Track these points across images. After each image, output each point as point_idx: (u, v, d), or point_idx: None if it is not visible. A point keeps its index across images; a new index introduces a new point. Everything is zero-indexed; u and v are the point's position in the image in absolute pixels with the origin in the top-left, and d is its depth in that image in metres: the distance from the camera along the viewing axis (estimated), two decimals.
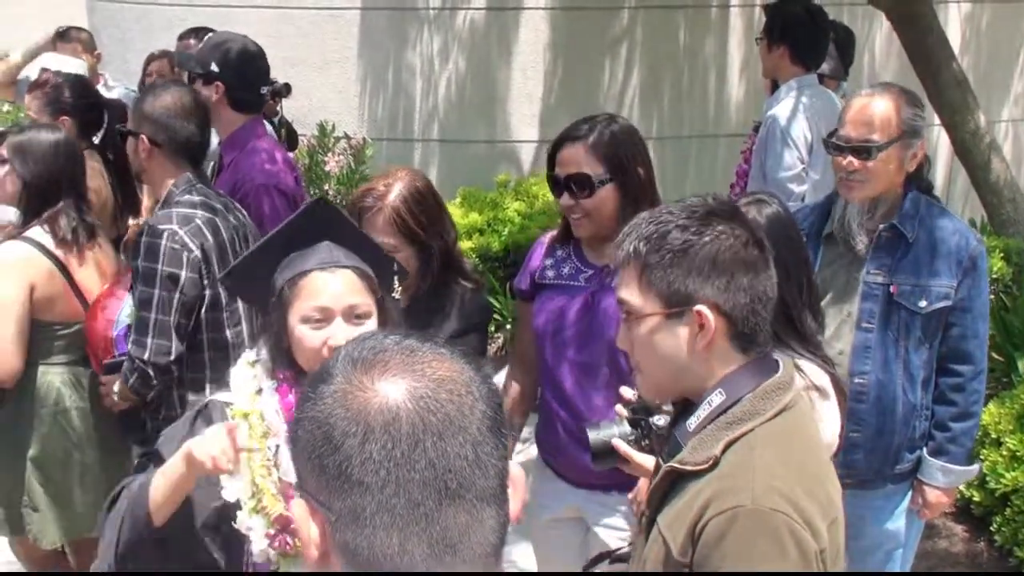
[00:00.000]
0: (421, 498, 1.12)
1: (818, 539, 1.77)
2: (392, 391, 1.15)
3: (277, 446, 2.20)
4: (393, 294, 2.43)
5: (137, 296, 3.34)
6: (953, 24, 7.71)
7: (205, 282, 3.34)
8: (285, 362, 2.27)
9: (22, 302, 3.50)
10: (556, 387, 3.11)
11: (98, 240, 3.74)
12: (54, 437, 3.64)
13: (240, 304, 3.42)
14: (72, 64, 5.33)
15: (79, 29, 6.48)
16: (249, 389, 2.29)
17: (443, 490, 1.13)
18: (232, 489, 2.18)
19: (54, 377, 3.63)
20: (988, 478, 4.38)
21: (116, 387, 3.45)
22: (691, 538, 1.80)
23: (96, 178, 4.34)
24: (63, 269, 3.59)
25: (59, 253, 3.58)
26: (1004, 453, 4.41)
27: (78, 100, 4.42)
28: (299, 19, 7.46)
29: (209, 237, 3.35)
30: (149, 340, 3.28)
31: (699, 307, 1.86)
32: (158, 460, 2.27)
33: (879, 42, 7.73)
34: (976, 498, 4.52)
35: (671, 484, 1.90)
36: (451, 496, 1.13)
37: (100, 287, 3.71)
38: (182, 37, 5.70)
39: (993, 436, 4.47)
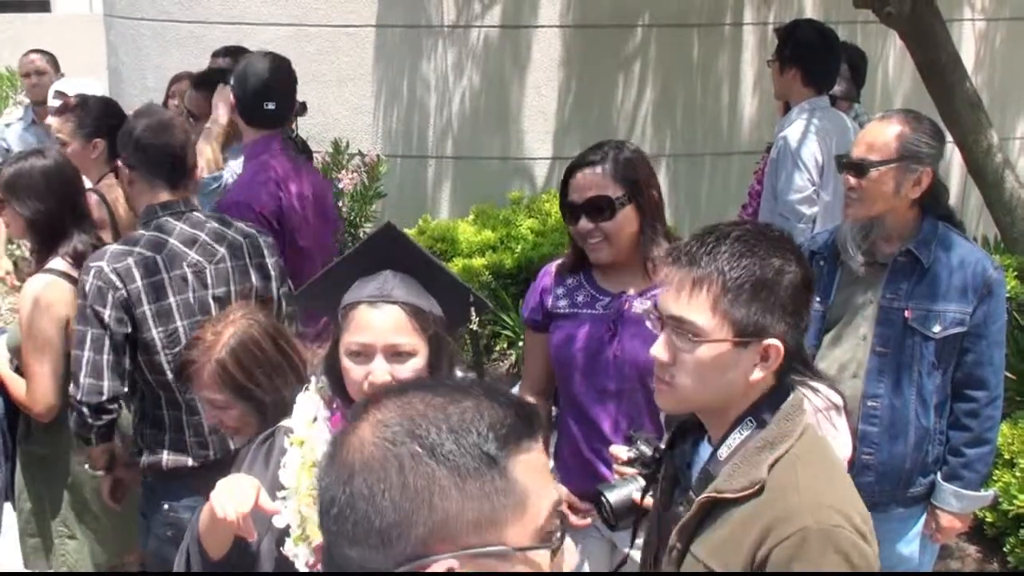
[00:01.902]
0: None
1: (872, 545, 1.84)
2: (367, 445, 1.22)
3: None
4: (470, 326, 2.37)
5: (74, 335, 3.29)
6: (967, 42, 7.71)
7: (131, 324, 3.23)
8: (339, 390, 2.25)
9: (58, 337, 3.49)
10: (581, 416, 3.10)
11: None
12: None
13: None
14: (92, 86, 5.36)
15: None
16: (307, 416, 2.28)
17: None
18: (284, 516, 2.20)
19: None
20: (1001, 499, 4.37)
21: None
22: (751, 565, 1.82)
23: (107, 202, 4.36)
24: None
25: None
26: (1017, 474, 4.39)
27: (109, 122, 4.44)
28: (315, 36, 7.51)
29: (138, 279, 3.24)
30: (82, 379, 3.21)
31: (772, 341, 1.88)
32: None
33: (892, 61, 7.73)
34: (989, 519, 4.50)
35: (705, 514, 1.90)
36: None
37: None
38: (216, 55, 5.76)
39: (1006, 457, 4.46)
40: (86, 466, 3.57)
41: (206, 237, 3.40)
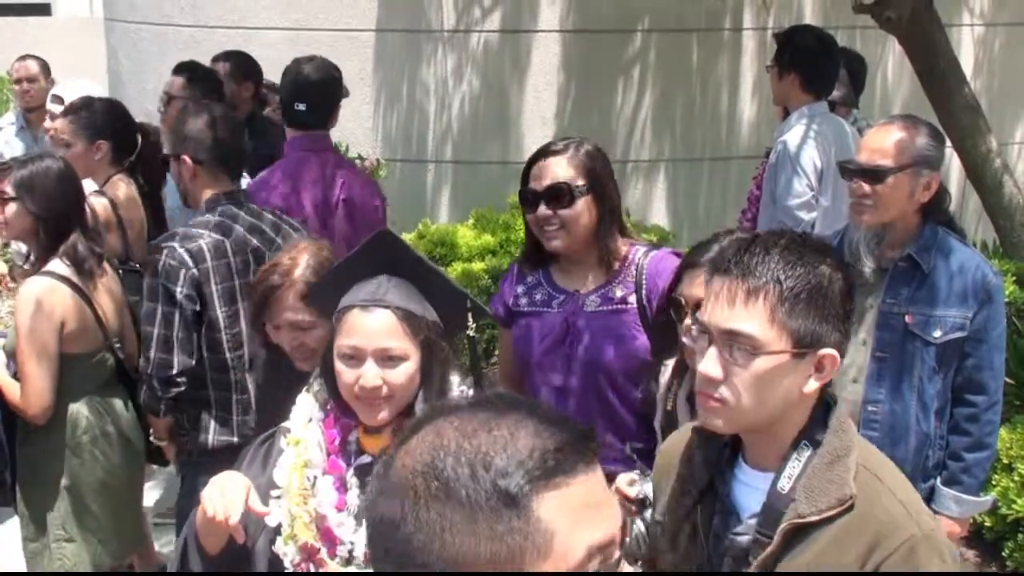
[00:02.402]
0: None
1: None
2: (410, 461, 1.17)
3: (315, 477, 2.22)
4: (468, 331, 2.34)
5: (142, 311, 3.43)
6: (965, 47, 7.72)
7: (200, 301, 3.39)
8: (334, 392, 2.26)
9: (54, 340, 3.51)
10: None
11: (104, 266, 3.76)
12: (87, 466, 3.67)
13: (243, 328, 3.45)
14: (90, 88, 5.37)
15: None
16: (304, 416, 2.30)
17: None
18: (275, 515, 2.21)
19: (83, 406, 3.65)
20: (1000, 503, 4.37)
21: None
22: None
23: (132, 205, 4.38)
24: (86, 299, 3.60)
25: (81, 284, 3.59)
26: (1016, 479, 4.40)
27: (114, 124, 4.45)
28: (315, 40, 7.52)
29: (209, 260, 3.39)
30: (152, 354, 3.38)
31: (828, 351, 1.82)
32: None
33: (891, 66, 7.75)
34: (988, 523, 4.51)
35: (787, 543, 1.82)
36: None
37: (115, 313, 3.74)
38: (216, 59, 5.83)
39: (1005, 462, 4.47)
40: (152, 437, 3.71)
41: (264, 226, 3.57)
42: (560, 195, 3.01)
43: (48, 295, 3.51)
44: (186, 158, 3.55)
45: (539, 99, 7.50)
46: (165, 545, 4.62)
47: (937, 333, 3.19)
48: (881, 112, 7.01)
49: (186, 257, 3.36)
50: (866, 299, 3.27)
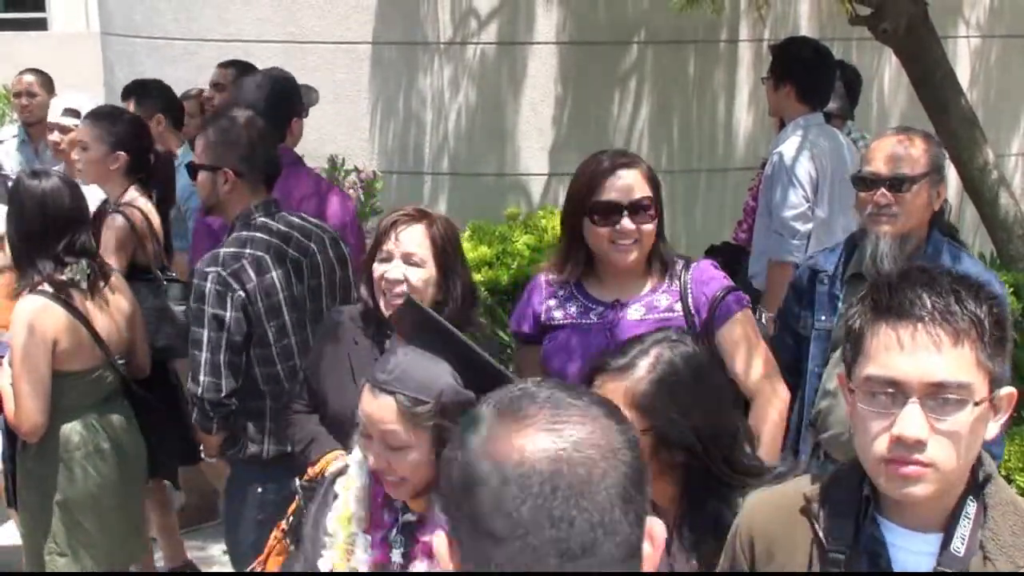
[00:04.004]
0: (545, 557, 1.14)
1: None
2: (529, 447, 1.17)
3: (355, 535, 2.25)
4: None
5: (190, 336, 3.49)
6: (962, 59, 7.72)
7: (248, 321, 3.43)
8: None
9: (45, 359, 3.51)
10: None
11: (112, 283, 3.75)
12: (81, 482, 3.67)
13: (292, 339, 3.51)
14: (83, 102, 5.39)
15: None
16: (357, 461, 2.36)
17: (566, 552, 1.15)
18: (327, 559, 2.28)
19: (77, 423, 3.64)
20: None
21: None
22: None
23: (153, 218, 4.41)
24: (81, 317, 3.59)
25: (76, 302, 3.58)
26: (1015, 491, 4.37)
27: (136, 139, 4.47)
28: (311, 53, 7.51)
29: (253, 277, 3.43)
30: (201, 378, 3.43)
31: (1011, 389, 1.68)
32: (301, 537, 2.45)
33: (888, 78, 7.74)
34: None
35: None
36: (573, 558, 1.15)
37: (120, 329, 3.74)
38: (221, 66, 5.98)
39: (1003, 474, 4.44)
40: (202, 455, 3.76)
41: (297, 234, 3.61)
42: (644, 209, 3.02)
43: (39, 314, 3.51)
44: (228, 170, 3.54)
45: (535, 111, 7.49)
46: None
47: None
48: (878, 124, 7.00)
49: (231, 280, 3.39)
50: None
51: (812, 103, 4.63)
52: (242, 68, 5.88)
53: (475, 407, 1.26)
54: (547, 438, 1.17)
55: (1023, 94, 8.30)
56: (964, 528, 1.67)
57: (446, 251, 3.02)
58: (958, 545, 1.67)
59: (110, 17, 8.82)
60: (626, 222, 3.00)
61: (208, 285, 3.38)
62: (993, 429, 1.69)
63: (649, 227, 3.03)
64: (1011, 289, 5.34)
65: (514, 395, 1.23)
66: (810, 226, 4.43)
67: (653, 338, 2.20)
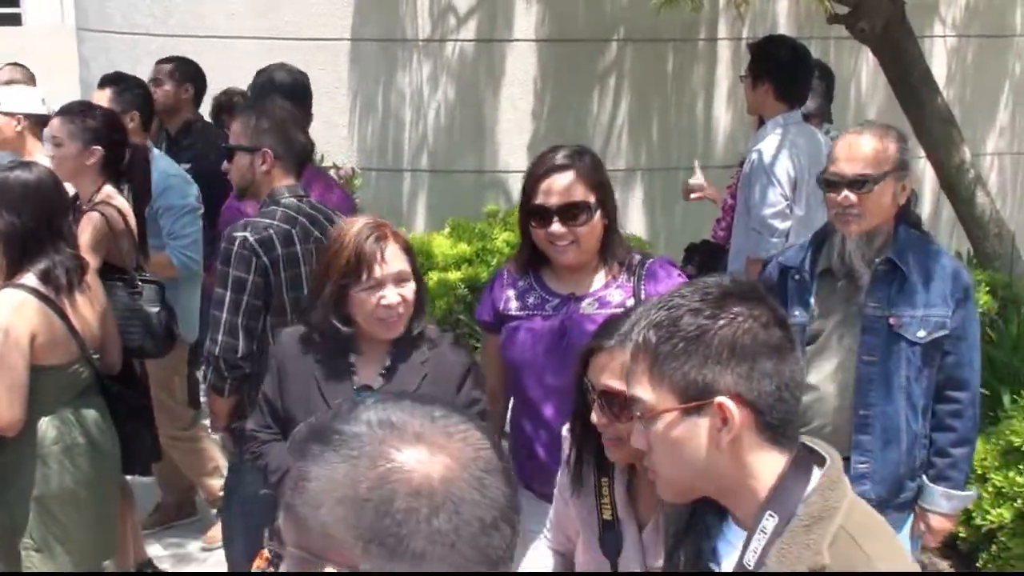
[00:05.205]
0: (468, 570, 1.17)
1: None
2: (436, 466, 1.18)
3: None
4: None
5: (212, 297, 3.60)
6: (939, 57, 7.77)
7: (267, 288, 3.53)
8: None
9: (22, 352, 3.48)
10: (535, 415, 3.17)
11: (87, 277, 3.73)
12: (58, 477, 3.64)
13: None
14: (31, 96, 5.31)
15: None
16: None
17: (486, 561, 1.18)
18: None
19: (53, 418, 3.62)
20: (974, 514, 4.38)
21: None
22: None
23: (128, 215, 4.38)
24: (59, 312, 3.57)
25: (54, 297, 3.56)
26: (990, 490, 4.41)
27: (111, 134, 4.43)
28: (289, 50, 7.46)
29: (278, 247, 3.53)
30: (219, 337, 3.53)
31: (719, 399, 1.66)
32: None
33: (865, 77, 7.78)
34: (962, 534, 4.51)
35: None
36: (492, 566, 1.18)
37: (96, 323, 3.72)
38: (160, 62, 5.98)
39: (979, 472, 4.47)
40: (210, 429, 3.82)
41: (322, 217, 3.71)
42: (577, 213, 3.04)
43: (17, 309, 3.48)
44: (267, 151, 3.66)
45: (515, 108, 7.49)
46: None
47: (922, 333, 3.26)
48: (855, 123, 7.01)
49: (257, 247, 3.49)
50: (844, 304, 3.33)
51: (790, 102, 4.64)
52: (181, 64, 5.91)
53: None
54: (445, 458, 1.21)
55: (999, 93, 8.35)
56: (758, 543, 1.67)
57: (412, 256, 3.06)
58: (750, 557, 1.68)
59: (85, 12, 8.76)
60: (556, 226, 3.04)
61: (234, 248, 3.49)
62: (724, 438, 1.67)
63: (584, 229, 3.05)
64: (986, 288, 5.37)
65: (394, 409, 1.23)
66: (788, 224, 4.44)
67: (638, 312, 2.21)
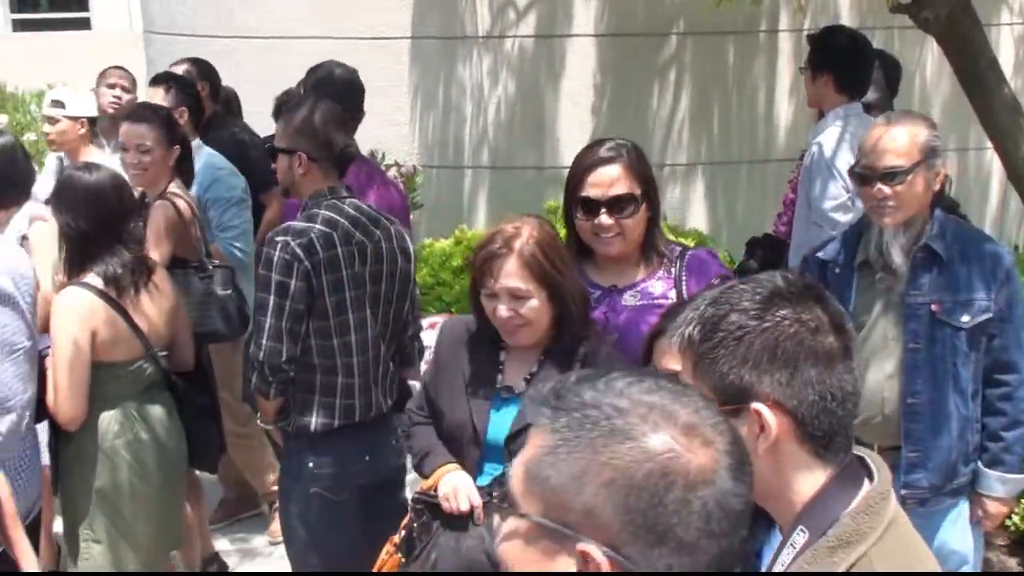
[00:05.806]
0: (722, 565, 1.23)
1: None
2: (708, 459, 1.24)
3: None
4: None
5: (255, 301, 3.63)
6: (1005, 46, 7.62)
7: (310, 292, 3.53)
8: None
9: (84, 349, 3.57)
10: None
11: (155, 278, 3.80)
12: (120, 470, 3.73)
13: (351, 316, 3.60)
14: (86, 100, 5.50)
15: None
16: None
17: (736, 553, 1.25)
18: None
19: (117, 413, 3.71)
20: None
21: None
22: None
23: (192, 208, 4.49)
24: (121, 311, 3.65)
25: (117, 296, 3.64)
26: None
27: (179, 131, 4.65)
28: (349, 49, 7.53)
29: (320, 251, 3.53)
30: (264, 342, 3.54)
31: (755, 405, 1.59)
32: None
33: (930, 67, 7.66)
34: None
35: None
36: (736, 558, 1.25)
37: (162, 322, 3.79)
38: (175, 64, 6.03)
39: None
40: (259, 421, 3.86)
41: (365, 220, 3.70)
42: (624, 205, 3.08)
43: (78, 307, 3.57)
44: (302, 154, 3.66)
45: (575, 103, 7.48)
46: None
47: (965, 318, 3.25)
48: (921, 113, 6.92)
49: (299, 251, 3.49)
50: (885, 294, 3.33)
51: (850, 93, 4.58)
52: (194, 64, 5.99)
53: None
54: (713, 449, 1.28)
55: None
56: (786, 556, 1.60)
57: (545, 271, 2.92)
58: (776, 570, 1.62)
59: (152, 16, 8.91)
60: (604, 218, 3.09)
61: (277, 253, 3.50)
62: (761, 445, 1.60)
63: (630, 221, 3.10)
64: None
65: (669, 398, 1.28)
66: (850, 217, 4.38)
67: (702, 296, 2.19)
